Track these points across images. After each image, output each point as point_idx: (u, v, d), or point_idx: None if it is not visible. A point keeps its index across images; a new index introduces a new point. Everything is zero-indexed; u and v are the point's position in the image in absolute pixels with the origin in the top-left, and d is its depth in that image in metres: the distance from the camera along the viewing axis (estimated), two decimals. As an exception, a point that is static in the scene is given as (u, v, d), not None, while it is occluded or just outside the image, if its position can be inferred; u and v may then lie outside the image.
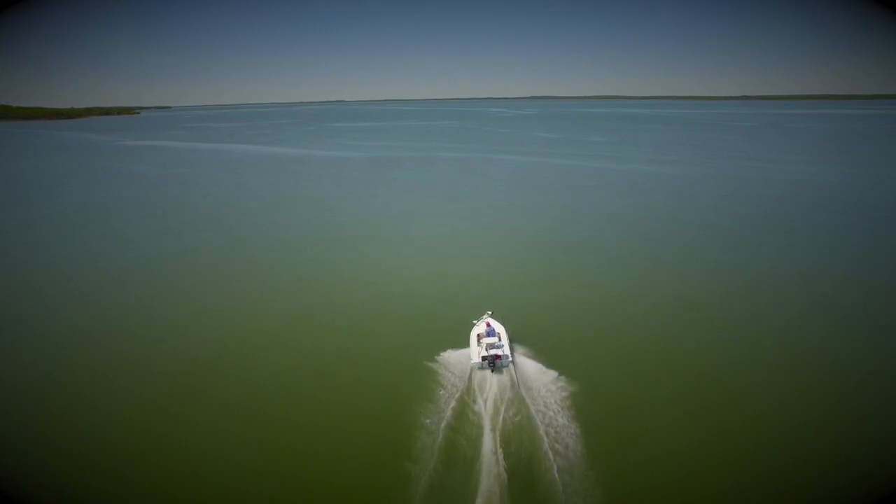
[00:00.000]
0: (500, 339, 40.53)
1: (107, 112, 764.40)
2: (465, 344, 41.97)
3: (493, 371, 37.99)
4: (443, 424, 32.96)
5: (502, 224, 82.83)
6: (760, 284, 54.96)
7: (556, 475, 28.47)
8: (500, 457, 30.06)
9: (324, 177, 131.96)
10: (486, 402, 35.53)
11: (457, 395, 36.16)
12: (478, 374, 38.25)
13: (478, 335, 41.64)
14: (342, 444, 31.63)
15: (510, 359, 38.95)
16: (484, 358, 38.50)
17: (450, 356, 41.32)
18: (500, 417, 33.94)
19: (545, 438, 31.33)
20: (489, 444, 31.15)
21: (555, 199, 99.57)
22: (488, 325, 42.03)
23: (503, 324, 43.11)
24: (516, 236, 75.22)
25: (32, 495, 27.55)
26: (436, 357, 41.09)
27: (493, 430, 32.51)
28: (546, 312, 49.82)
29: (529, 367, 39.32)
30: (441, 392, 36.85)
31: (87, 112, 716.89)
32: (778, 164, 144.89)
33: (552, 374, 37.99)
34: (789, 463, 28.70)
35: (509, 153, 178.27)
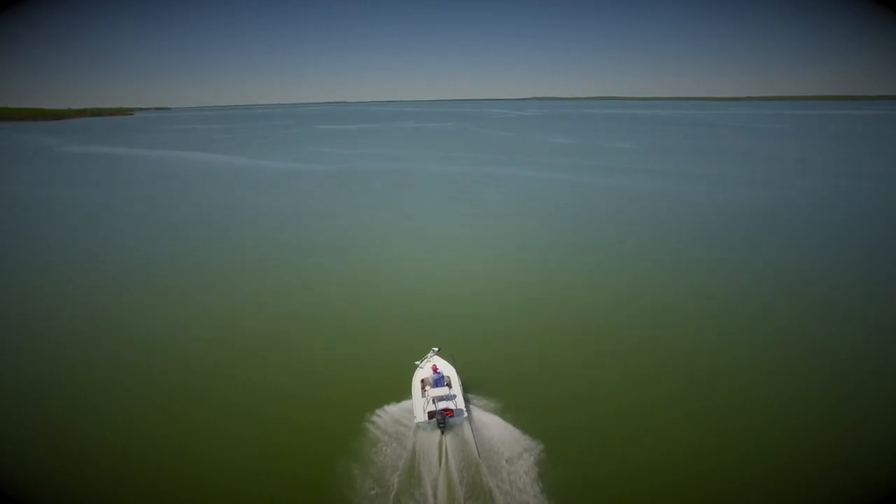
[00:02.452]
0: (450, 388, 31.49)
1: (99, 113, 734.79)
2: (406, 393, 32.70)
3: (443, 432, 28.83)
4: None
5: (467, 236, 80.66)
6: (760, 284, 54.97)
7: None
8: None
9: (259, 198, 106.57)
10: (435, 485, 25.72)
11: (395, 485, 25.72)
12: (423, 438, 28.79)
13: (422, 381, 32.71)
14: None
15: (465, 414, 30.04)
16: (431, 415, 29.40)
17: (387, 413, 31.40)
18: None
19: None
20: None
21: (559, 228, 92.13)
22: (435, 369, 32.88)
23: (454, 364, 34.36)
24: (480, 247, 73.33)
25: (32, 495, 27.56)
26: (369, 416, 31.14)
27: None
28: (511, 345, 41.37)
29: (491, 425, 30.17)
30: (373, 474, 26.61)
31: (80, 113, 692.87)
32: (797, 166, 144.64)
33: (518, 433, 28.80)
34: (789, 463, 28.71)
35: (515, 165, 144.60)
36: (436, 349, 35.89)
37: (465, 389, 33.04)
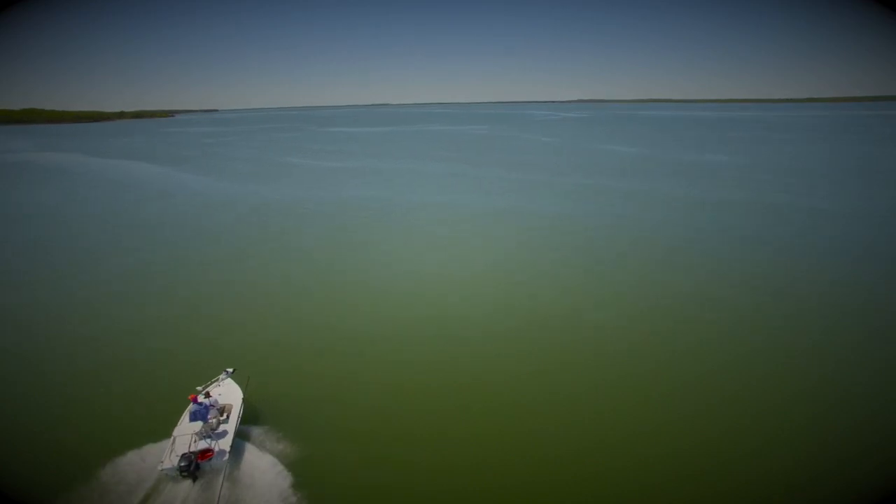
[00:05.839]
0: (223, 419, 25.25)
1: (139, 115, 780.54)
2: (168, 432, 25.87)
3: (195, 481, 22.45)
4: None
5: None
6: (760, 284, 54.91)
7: None
8: None
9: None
10: None
11: None
12: (168, 491, 22.27)
13: (191, 415, 26.16)
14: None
15: (226, 455, 23.47)
16: (182, 458, 22.88)
17: (137, 457, 25.12)
18: None
19: None
20: None
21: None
22: (194, 398, 26.30)
23: (245, 389, 27.98)
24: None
25: (32, 495, 27.51)
26: (111, 462, 25.30)
27: None
28: (342, 364, 35.24)
29: (265, 469, 22.98)
30: None
31: (120, 115, 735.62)
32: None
33: (298, 481, 22.10)
34: (789, 463, 28.69)
35: (563, 196, 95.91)
36: (229, 370, 30.03)
37: (255, 422, 27.14)
